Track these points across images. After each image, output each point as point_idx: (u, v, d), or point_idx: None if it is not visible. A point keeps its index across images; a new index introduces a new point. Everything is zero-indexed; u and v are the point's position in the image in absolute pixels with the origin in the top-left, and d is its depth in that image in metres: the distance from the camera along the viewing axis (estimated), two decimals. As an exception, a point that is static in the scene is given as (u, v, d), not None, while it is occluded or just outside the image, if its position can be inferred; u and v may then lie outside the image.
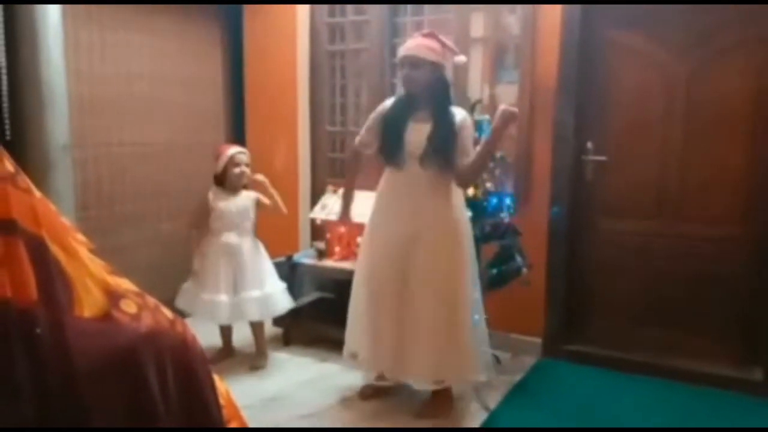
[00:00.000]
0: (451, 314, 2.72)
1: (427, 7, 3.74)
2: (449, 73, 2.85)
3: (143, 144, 3.70)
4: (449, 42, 2.78)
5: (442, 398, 2.87)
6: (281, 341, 3.60)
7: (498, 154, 3.14)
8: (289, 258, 3.63)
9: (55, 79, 2.83)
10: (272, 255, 3.54)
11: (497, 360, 3.32)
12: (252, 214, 3.30)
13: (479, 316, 2.87)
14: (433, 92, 2.72)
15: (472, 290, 2.82)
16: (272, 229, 3.64)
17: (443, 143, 2.65)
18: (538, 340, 3.46)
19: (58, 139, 2.81)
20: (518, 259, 3.12)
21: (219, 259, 3.20)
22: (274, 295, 3.28)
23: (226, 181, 3.27)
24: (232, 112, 4.34)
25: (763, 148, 3.04)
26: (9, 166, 1.19)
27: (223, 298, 3.16)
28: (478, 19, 3.53)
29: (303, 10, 4.01)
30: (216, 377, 1.47)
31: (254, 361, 3.32)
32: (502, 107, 2.57)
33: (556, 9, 3.27)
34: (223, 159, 3.27)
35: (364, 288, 2.87)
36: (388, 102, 2.88)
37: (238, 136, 4.32)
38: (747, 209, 3.09)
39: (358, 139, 2.94)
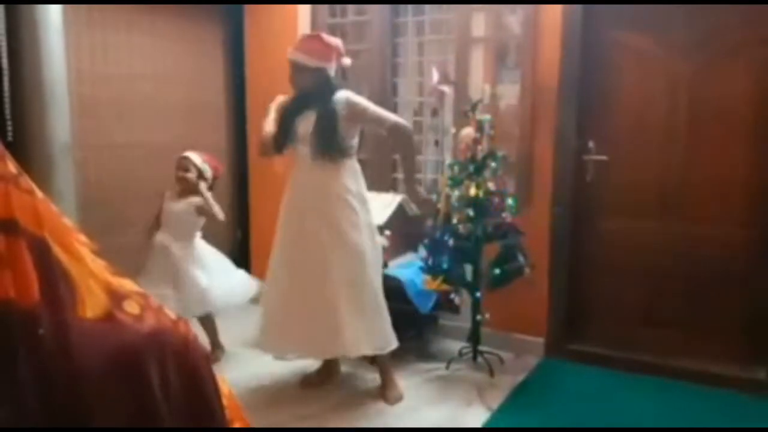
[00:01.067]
0: (358, 287, 2.82)
1: (427, 7, 3.75)
2: (336, 71, 2.93)
3: (145, 144, 3.70)
4: (335, 42, 2.87)
5: (385, 375, 3.00)
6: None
7: (500, 154, 3.14)
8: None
9: (56, 79, 2.84)
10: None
11: (500, 360, 3.33)
12: (192, 219, 3.31)
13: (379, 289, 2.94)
14: (317, 91, 2.84)
15: (376, 259, 2.93)
16: (272, 228, 3.63)
17: (324, 129, 2.78)
18: (541, 340, 3.46)
19: (59, 139, 2.82)
20: (520, 258, 3.12)
21: (150, 256, 3.27)
22: (209, 290, 3.26)
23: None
24: (234, 112, 4.34)
25: (766, 149, 3.03)
26: (11, 167, 1.19)
27: (167, 291, 3.16)
28: (479, 18, 3.53)
29: (304, 10, 4.01)
30: (219, 378, 1.47)
31: (213, 354, 3.35)
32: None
33: (557, 8, 3.27)
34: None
35: (270, 276, 2.99)
36: (280, 98, 3.06)
37: (239, 136, 4.33)
38: (750, 209, 3.09)
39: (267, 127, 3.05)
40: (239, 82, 4.31)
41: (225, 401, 1.46)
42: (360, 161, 3.06)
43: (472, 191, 3.10)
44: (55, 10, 2.80)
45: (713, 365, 3.13)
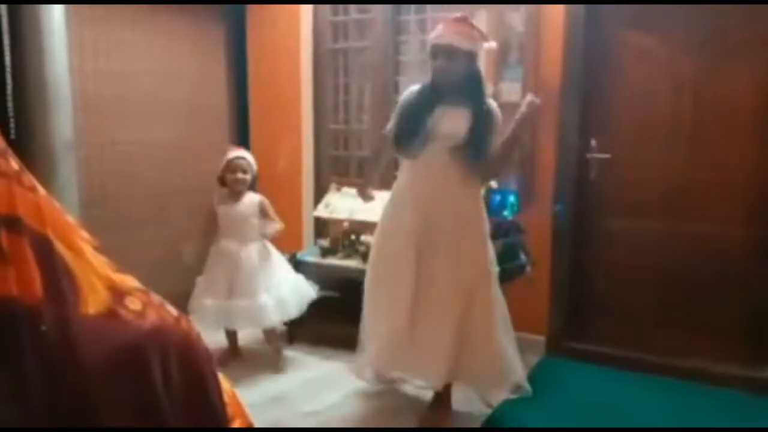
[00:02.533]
0: (473, 311, 2.61)
1: (430, 5, 3.74)
2: (480, 61, 2.68)
3: (148, 142, 3.71)
4: (479, 27, 2.62)
5: (442, 402, 2.81)
6: (286, 339, 3.60)
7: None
8: (293, 256, 3.63)
9: (59, 77, 2.84)
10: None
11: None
12: (255, 220, 3.22)
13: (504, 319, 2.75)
14: (467, 82, 2.56)
15: (496, 289, 2.70)
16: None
17: (484, 133, 2.52)
18: (542, 338, 3.46)
19: (62, 137, 2.82)
20: (522, 257, 3.12)
21: (215, 264, 3.19)
22: (264, 307, 3.13)
23: (227, 185, 3.25)
24: (236, 110, 4.34)
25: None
26: (14, 164, 1.20)
27: (209, 302, 3.12)
28: (482, 16, 3.52)
29: (306, 8, 4.01)
30: (220, 375, 1.47)
31: (227, 360, 3.29)
32: (528, 97, 2.52)
33: (561, 6, 3.26)
34: (222, 162, 3.24)
35: (381, 287, 2.74)
36: (414, 87, 2.71)
37: (242, 134, 4.33)
38: (754, 209, 3.08)
39: (388, 128, 2.77)
40: (242, 80, 4.31)
41: (226, 398, 1.46)
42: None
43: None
44: (57, 8, 2.80)
45: (715, 364, 3.12)
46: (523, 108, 2.52)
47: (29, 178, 1.22)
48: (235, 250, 3.16)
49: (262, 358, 3.38)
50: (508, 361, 2.71)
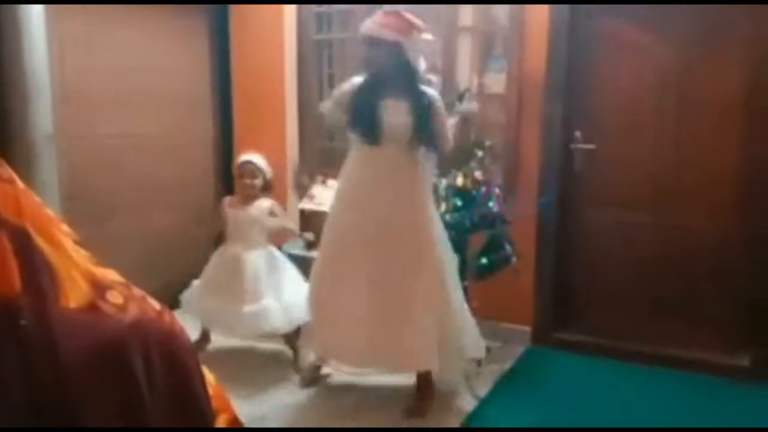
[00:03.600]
0: (433, 296, 2.67)
1: None
2: (417, 52, 2.73)
3: (130, 135, 3.67)
4: (415, 20, 2.69)
5: (425, 392, 2.82)
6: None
7: (487, 143, 3.14)
8: (278, 249, 3.61)
9: (38, 70, 2.80)
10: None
11: (487, 348, 3.34)
12: (264, 226, 3.18)
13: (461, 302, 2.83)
14: (399, 72, 2.66)
15: (453, 271, 2.78)
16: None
17: (428, 124, 2.64)
18: (528, 329, 3.48)
19: (42, 130, 2.79)
20: (507, 248, 3.13)
21: (218, 267, 3.16)
22: (268, 312, 3.05)
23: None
24: (220, 102, 4.30)
25: (757, 141, 3.04)
26: (-9, 156, 1.18)
27: (210, 305, 3.08)
28: (467, 8, 3.52)
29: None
30: (204, 368, 1.46)
31: (293, 366, 3.19)
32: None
33: (545, -3, 3.26)
34: (234, 165, 3.19)
35: (329, 275, 2.78)
36: (356, 80, 2.78)
37: (225, 126, 4.30)
38: (738, 201, 3.10)
39: (324, 107, 2.89)
40: (224, 73, 4.27)
41: (211, 391, 1.45)
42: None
43: (460, 181, 3.10)
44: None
45: (699, 352, 3.15)
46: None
47: (7, 171, 1.20)
48: (239, 254, 3.11)
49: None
50: (467, 332, 2.80)
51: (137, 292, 1.32)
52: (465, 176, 3.10)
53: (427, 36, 2.74)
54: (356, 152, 2.77)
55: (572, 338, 3.42)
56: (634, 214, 3.31)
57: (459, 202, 3.11)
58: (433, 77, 3.49)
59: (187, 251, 3.29)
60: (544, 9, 3.26)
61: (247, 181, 3.16)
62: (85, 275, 1.22)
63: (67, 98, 3.20)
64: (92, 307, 1.18)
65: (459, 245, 3.16)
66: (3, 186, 1.16)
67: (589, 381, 3.08)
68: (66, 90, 3.19)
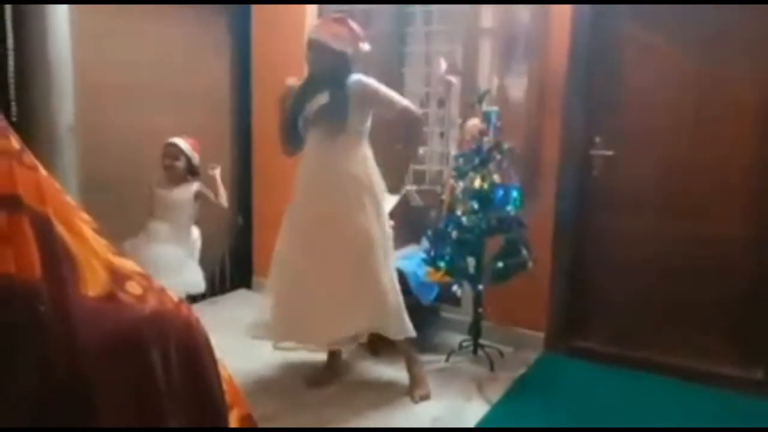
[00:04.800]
0: (363, 267, 2.78)
1: (437, -3, 3.72)
2: (355, 58, 2.86)
3: (148, 130, 3.67)
4: (358, 29, 2.82)
5: (412, 374, 2.95)
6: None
7: (506, 146, 3.13)
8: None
9: (62, 61, 2.82)
10: (272, 248, 3.52)
11: (500, 354, 3.32)
12: (191, 207, 3.27)
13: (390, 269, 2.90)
14: (333, 74, 2.78)
15: (383, 242, 2.86)
16: (276, 221, 3.62)
17: (335, 107, 2.74)
18: (541, 335, 3.45)
19: (63, 121, 2.80)
20: (524, 253, 3.11)
21: (141, 245, 3.18)
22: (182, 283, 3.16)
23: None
24: (239, 100, 4.31)
25: (774, 146, 3.01)
26: (14, 142, 1.17)
27: None
28: (488, 10, 3.50)
29: (311, 0, 3.98)
30: (219, 363, 1.45)
31: None
32: None
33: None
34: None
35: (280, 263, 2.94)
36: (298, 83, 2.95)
37: (243, 126, 4.31)
38: (756, 209, 3.06)
39: (289, 81, 2.99)
40: (245, 69, 4.28)
41: (225, 386, 1.44)
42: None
43: (477, 183, 3.08)
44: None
45: (713, 364, 3.11)
46: None
47: (30, 158, 1.20)
48: (162, 232, 3.19)
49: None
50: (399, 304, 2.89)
51: (156, 283, 1.31)
52: (483, 179, 3.08)
53: (366, 46, 2.86)
54: (306, 148, 2.90)
55: (586, 345, 3.39)
56: (651, 222, 3.28)
57: (476, 205, 3.09)
58: (453, 78, 3.49)
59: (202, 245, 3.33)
60: (566, 12, 3.24)
61: (167, 162, 3.25)
62: (105, 264, 1.21)
63: (88, 91, 3.22)
64: (111, 297, 1.17)
65: (475, 248, 3.15)
66: (26, 172, 1.15)
67: (601, 389, 3.05)
68: (86, 82, 3.20)
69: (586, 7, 3.22)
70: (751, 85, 3.02)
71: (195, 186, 3.29)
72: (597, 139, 3.33)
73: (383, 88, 2.85)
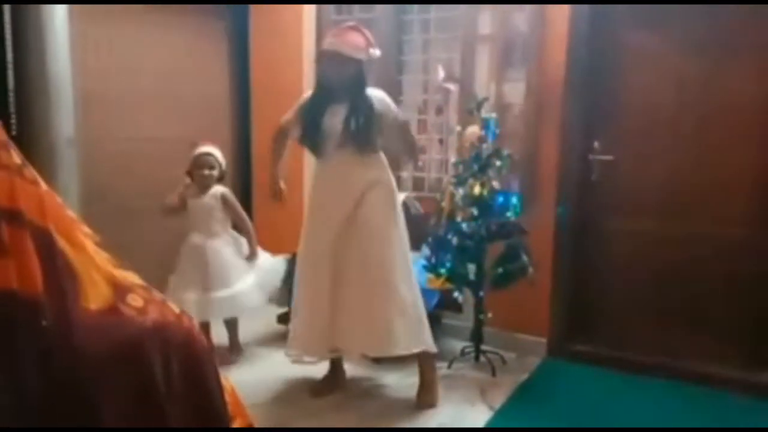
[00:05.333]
0: (385, 285, 2.75)
1: (433, 5, 3.73)
2: (368, 65, 2.87)
3: (149, 139, 3.70)
4: (369, 36, 2.82)
5: (426, 380, 2.91)
6: (285, 339, 3.57)
7: (505, 152, 3.14)
8: (294, 256, 3.61)
9: (61, 73, 2.83)
10: (275, 252, 3.53)
11: (502, 360, 3.32)
12: (219, 213, 3.26)
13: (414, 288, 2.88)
14: (351, 84, 2.76)
15: (406, 263, 2.86)
16: (277, 227, 3.63)
17: (357, 122, 2.72)
18: (543, 340, 3.45)
19: (63, 133, 2.82)
20: (524, 258, 3.11)
21: (185, 258, 3.23)
22: (241, 294, 3.22)
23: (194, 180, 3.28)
24: (239, 105, 4.33)
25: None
26: (15, 157, 1.19)
27: (191, 296, 3.13)
28: (486, 16, 3.52)
29: (309, 8, 4.00)
30: (222, 374, 1.46)
31: (230, 356, 3.34)
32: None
33: (564, 7, 3.25)
34: (190, 157, 3.26)
35: (302, 276, 2.93)
36: (306, 94, 2.95)
37: (244, 132, 4.32)
38: (756, 211, 3.06)
39: (284, 119, 2.98)
40: (244, 76, 4.29)
41: (227, 397, 1.45)
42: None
43: (477, 190, 3.09)
44: (60, 5, 2.79)
45: (717, 367, 3.10)
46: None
47: (31, 172, 1.21)
48: (202, 243, 3.21)
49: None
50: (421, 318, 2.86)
51: (157, 295, 1.32)
52: (482, 186, 3.09)
53: (377, 51, 2.85)
54: (316, 164, 2.92)
55: (588, 350, 3.39)
56: (652, 225, 3.28)
57: (476, 212, 3.10)
58: (451, 86, 3.50)
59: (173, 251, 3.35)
60: (563, 18, 3.25)
61: (206, 172, 3.24)
62: (106, 277, 1.22)
63: (87, 101, 3.24)
64: (112, 309, 1.18)
65: (476, 255, 3.15)
66: (27, 187, 1.16)
67: (604, 394, 3.04)
68: (85, 93, 3.22)
69: (583, 12, 3.23)
70: (749, 88, 3.02)
71: (220, 189, 3.29)
72: (596, 144, 3.33)
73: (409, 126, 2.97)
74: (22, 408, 1.05)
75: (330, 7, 4.00)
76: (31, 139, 2.74)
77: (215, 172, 3.26)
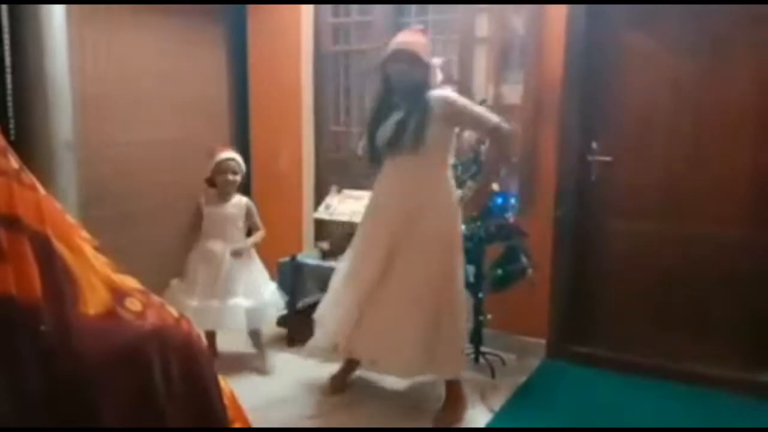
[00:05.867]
0: (443, 303, 2.67)
1: (431, 8, 3.73)
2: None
3: (148, 142, 3.69)
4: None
5: (454, 399, 2.81)
6: (285, 342, 3.58)
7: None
8: (293, 258, 3.61)
9: (59, 77, 2.82)
10: (276, 255, 3.53)
11: (502, 361, 3.32)
12: (241, 222, 3.24)
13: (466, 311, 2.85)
14: (417, 88, 2.67)
15: (461, 281, 2.78)
16: (276, 229, 3.63)
17: (410, 127, 2.61)
18: (543, 342, 3.45)
19: (61, 137, 2.81)
20: (523, 260, 3.11)
21: (199, 264, 3.16)
22: (264, 306, 3.20)
23: (216, 186, 3.23)
24: (237, 110, 4.33)
25: (771, 148, 3.01)
26: (14, 162, 1.19)
27: (195, 304, 3.08)
28: (483, 19, 3.52)
29: (307, 9, 4.00)
30: (220, 378, 1.46)
31: (264, 366, 3.27)
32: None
33: (562, 9, 3.25)
34: (211, 163, 3.23)
35: (348, 269, 2.85)
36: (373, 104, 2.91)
37: (242, 135, 4.32)
38: (755, 211, 3.06)
39: (360, 146, 2.96)
40: (242, 78, 4.30)
41: (226, 401, 1.45)
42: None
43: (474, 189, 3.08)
44: (58, 7, 2.79)
45: (717, 368, 3.10)
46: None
47: (29, 177, 1.21)
48: (220, 251, 3.15)
49: (246, 360, 3.35)
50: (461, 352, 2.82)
51: (155, 299, 1.32)
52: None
53: (438, 60, 2.83)
54: (384, 166, 2.80)
55: (588, 352, 3.38)
56: (651, 226, 3.28)
57: (474, 213, 3.10)
58: (449, 88, 3.50)
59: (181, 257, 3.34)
60: (561, 20, 3.26)
61: (230, 177, 3.20)
62: (105, 282, 1.22)
63: (85, 105, 3.23)
64: (111, 314, 1.18)
65: (475, 256, 3.15)
66: (25, 192, 1.16)
67: (604, 396, 3.04)
68: (84, 96, 3.22)
69: (580, 13, 3.23)
70: (747, 90, 3.02)
71: (244, 200, 3.26)
72: (594, 145, 3.34)
73: (470, 105, 2.71)
74: (21, 413, 1.05)
75: (327, 10, 4.01)
76: (29, 143, 2.74)
77: (239, 177, 3.23)
